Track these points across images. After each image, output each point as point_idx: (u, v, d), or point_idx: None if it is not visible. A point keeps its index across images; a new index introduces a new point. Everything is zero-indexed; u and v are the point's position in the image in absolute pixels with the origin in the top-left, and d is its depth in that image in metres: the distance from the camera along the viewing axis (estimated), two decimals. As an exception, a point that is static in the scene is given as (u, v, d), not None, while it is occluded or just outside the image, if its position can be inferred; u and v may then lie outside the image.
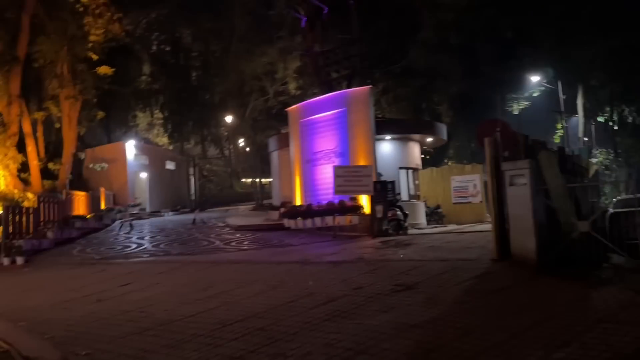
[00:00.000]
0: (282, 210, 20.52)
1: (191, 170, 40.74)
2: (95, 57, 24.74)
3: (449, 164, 34.22)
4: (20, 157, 22.84)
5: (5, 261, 15.24)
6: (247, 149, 49.68)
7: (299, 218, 18.32)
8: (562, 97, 34.27)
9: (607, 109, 40.77)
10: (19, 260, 15.33)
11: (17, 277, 13.13)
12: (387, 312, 6.24)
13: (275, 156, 25.45)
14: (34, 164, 23.80)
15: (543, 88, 38.23)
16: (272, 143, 26.00)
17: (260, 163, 38.10)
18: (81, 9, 23.62)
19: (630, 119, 39.89)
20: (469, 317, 5.95)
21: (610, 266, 8.59)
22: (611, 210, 13.26)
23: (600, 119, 42.37)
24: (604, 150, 38.06)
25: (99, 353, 5.15)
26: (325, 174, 18.71)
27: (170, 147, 43.07)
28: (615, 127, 41.05)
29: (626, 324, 5.30)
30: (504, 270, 8.96)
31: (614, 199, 16.20)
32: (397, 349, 4.73)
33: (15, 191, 21.86)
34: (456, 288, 7.58)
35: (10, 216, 17.37)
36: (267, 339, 5.37)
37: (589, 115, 39.26)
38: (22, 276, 13.33)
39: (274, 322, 6.12)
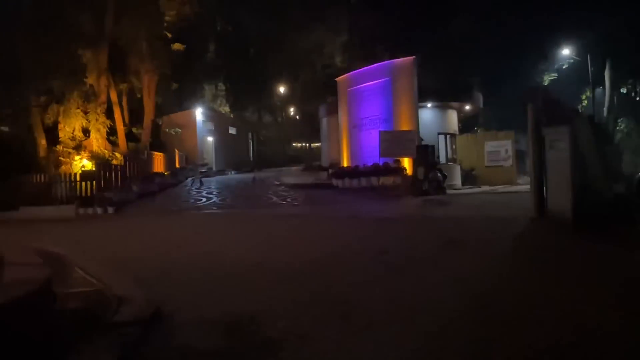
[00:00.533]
0: (331, 171, 20.21)
1: (249, 135, 40.86)
2: (169, 35, 24.73)
3: (478, 130, 32.84)
4: (108, 122, 23.30)
5: (99, 210, 15.60)
6: (297, 116, 49.39)
7: (346, 178, 17.95)
8: (590, 69, 31.94)
9: (630, 80, 38.06)
10: (110, 209, 15.66)
11: (108, 224, 13.46)
12: (441, 267, 5.88)
13: (324, 122, 25.00)
14: (120, 128, 24.27)
15: (572, 60, 35.78)
16: (322, 110, 25.52)
17: (309, 129, 37.74)
18: (157, -8, 23.56)
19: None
20: (519, 271, 5.55)
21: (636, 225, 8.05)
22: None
23: (623, 90, 39.67)
24: (626, 119, 35.76)
25: (180, 294, 5.06)
26: (372, 137, 18.17)
27: (232, 115, 43.27)
28: (638, 98, 38.40)
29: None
30: (544, 227, 8.49)
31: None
32: (454, 307, 4.30)
33: (105, 151, 22.41)
34: (502, 244, 7.16)
35: (102, 172, 17.85)
36: (329, 285, 5.14)
37: (614, 87, 36.85)
38: (112, 223, 13.66)
39: (330, 272, 5.89)
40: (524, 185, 16.18)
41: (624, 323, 3.60)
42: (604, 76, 35.44)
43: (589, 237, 7.36)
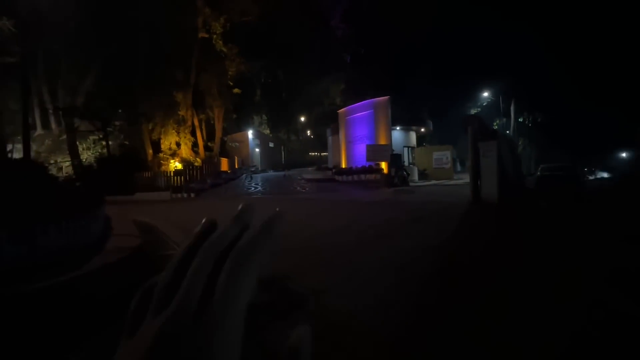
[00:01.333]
0: (334, 170, 19.69)
1: (282, 148, 40.40)
2: (231, 83, 24.29)
3: (426, 145, 32.27)
4: (192, 139, 23.01)
5: (185, 195, 15.32)
6: (312, 136, 48.80)
7: (344, 175, 17.47)
8: (501, 105, 31.02)
9: (525, 113, 37.62)
10: (192, 195, 15.38)
11: (190, 204, 12.99)
12: (412, 237, 5.33)
13: (330, 139, 24.49)
14: (200, 143, 23.99)
15: (489, 100, 34.96)
16: (328, 131, 25.03)
17: (320, 143, 37.10)
18: (223, 56, 23.10)
19: (538, 119, 37.03)
20: (461, 228, 5.08)
21: (537, 206, 8.05)
22: (538, 174, 12.48)
23: (521, 119, 39.17)
24: (523, 138, 35.36)
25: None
26: (361, 149, 17.57)
27: (271, 135, 42.78)
28: (530, 125, 38.11)
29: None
30: (479, 208, 7.84)
31: (540, 167, 14.35)
32: (427, 261, 3.84)
33: (190, 157, 22.14)
34: (452, 220, 6.54)
35: (188, 170, 17.48)
36: (338, 250, 4.60)
37: (516, 117, 36.36)
38: (193, 203, 13.18)
39: (338, 239, 5.35)
40: (458, 180, 15.54)
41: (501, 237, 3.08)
42: (509, 110, 34.83)
43: (506, 213, 7.02)
